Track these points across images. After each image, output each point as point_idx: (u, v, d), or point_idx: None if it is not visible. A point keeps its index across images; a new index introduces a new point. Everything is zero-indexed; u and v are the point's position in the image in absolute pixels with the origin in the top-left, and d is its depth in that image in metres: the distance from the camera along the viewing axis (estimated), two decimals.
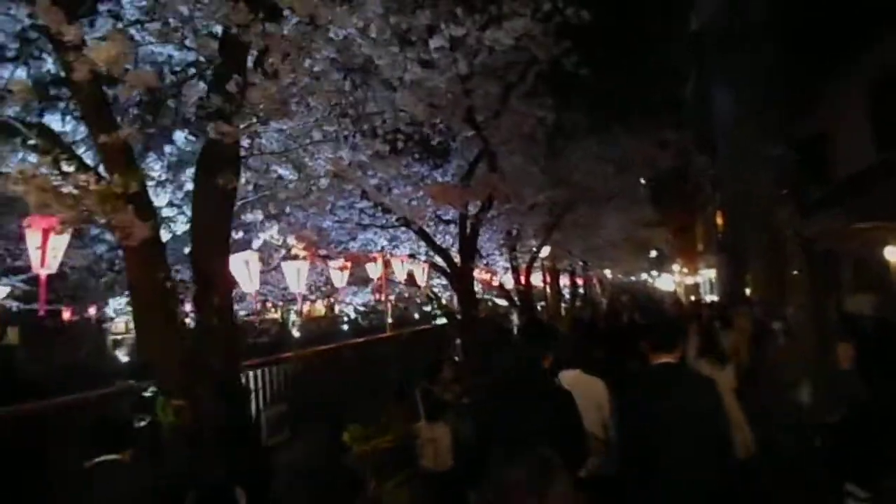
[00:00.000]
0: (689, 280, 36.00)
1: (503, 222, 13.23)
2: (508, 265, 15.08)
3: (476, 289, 17.27)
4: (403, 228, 10.15)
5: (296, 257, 5.87)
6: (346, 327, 32.08)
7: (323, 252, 6.17)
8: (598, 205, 16.86)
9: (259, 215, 5.64)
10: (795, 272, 11.99)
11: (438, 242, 10.30)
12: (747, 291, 19.04)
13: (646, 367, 3.71)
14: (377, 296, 19.58)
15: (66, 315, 18.46)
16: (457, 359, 9.96)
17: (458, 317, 10.18)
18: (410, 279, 9.93)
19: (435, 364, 5.96)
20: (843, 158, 13.63)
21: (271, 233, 5.64)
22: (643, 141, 15.09)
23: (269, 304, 29.80)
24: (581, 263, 27.03)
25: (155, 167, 6.91)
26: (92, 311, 18.01)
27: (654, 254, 38.90)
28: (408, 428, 5.42)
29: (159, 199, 5.60)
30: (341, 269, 6.54)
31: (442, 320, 12.67)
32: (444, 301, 11.61)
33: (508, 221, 13.43)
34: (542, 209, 14.63)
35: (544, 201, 14.11)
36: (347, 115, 6.48)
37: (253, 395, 5.75)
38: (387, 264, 8.61)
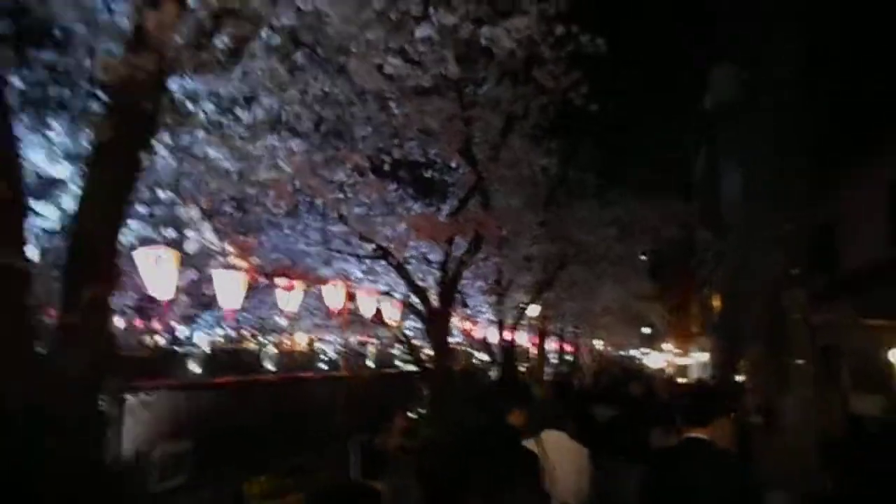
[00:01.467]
0: (680, 361, 35.06)
1: (491, 271, 12.46)
2: (494, 319, 14.24)
3: (457, 340, 16.45)
4: (382, 262, 9.39)
5: (234, 268, 5.02)
6: (324, 366, 31.05)
7: (257, 262, 5.28)
8: (595, 269, 16.19)
9: (193, 211, 4.80)
10: (800, 361, 11.17)
11: (418, 282, 9.51)
12: (739, 378, 18.13)
13: (677, 442, 3.61)
14: (352, 334, 18.71)
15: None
16: (420, 411, 9.09)
17: (429, 365, 9.32)
18: (379, 317, 9.09)
19: (383, 412, 5.10)
20: (852, 249, 12.99)
21: (206, 234, 4.77)
22: (649, 208, 14.50)
23: (244, 331, 28.98)
24: (572, 329, 26.21)
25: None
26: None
27: (647, 330, 38.12)
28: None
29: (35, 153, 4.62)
30: (286, 288, 5.69)
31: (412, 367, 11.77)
32: (415, 346, 10.73)
33: (497, 271, 12.67)
34: (536, 265, 13.94)
35: (538, 255, 13.42)
36: (313, 108, 5.79)
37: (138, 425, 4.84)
38: (350, 296, 7.77)
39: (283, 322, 20.41)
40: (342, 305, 7.26)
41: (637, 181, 15.81)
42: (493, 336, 14.53)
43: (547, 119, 8.42)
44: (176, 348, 25.91)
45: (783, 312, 12.84)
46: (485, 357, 15.36)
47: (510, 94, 8.15)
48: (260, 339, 30.00)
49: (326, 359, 31.12)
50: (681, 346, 34.21)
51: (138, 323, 23.76)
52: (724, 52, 23.32)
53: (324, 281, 6.86)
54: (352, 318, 11.34)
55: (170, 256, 5.00)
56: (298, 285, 5.75)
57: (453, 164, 9.55)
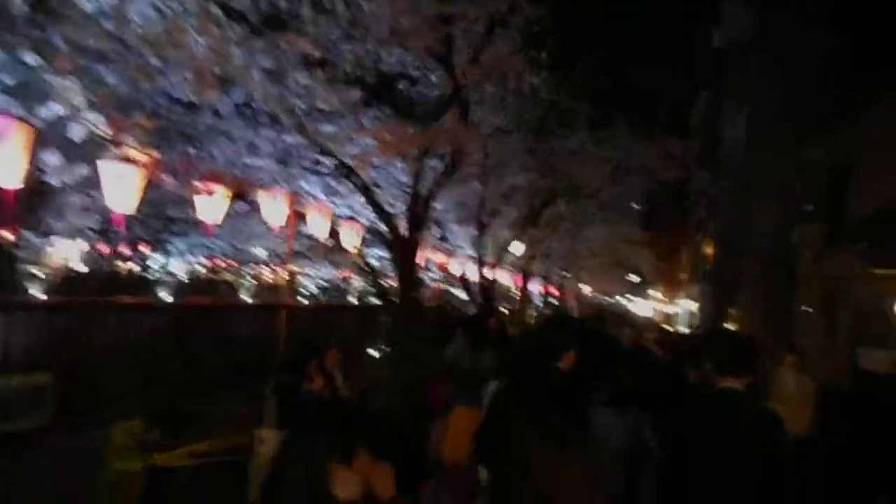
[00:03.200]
0: (668, 309, 34.54)
1: (473, 200, 11.39)
2: (475, 254, 13.25)
3: (433, 276, 15.50)
4: (347, 182, 8.28)
5: (127, 160, 3.87)
6: (305, 301, 30.25)
7: (157, 157, 4.15)
8: (584, 208, 15.20)
9: (68, 82, 3.65)
10: (808, 309, 10.35)
11: (387, 207, 8.45)
12: (729, 327, 17.40)
13: (707, 391, 3.31)
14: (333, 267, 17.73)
15: None
16: (384, 348, 8.15)
17: (394, 298, 8.33)
18: (336, 242, 8.05)
19: (309, 349, 4.09)
20: (866, 193, 11.99)
21: (86, 114, 3.64)
22: (645, 147, 13.34)
23: (219, 262, 27.98)
24: (558, 272, 25.41)
25: None
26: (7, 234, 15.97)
27: (635, 278, 37.51)
28: (241, 435, 3.56)
29: None
30: (207, 192, 4.60)
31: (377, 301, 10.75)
32: (379, 277, 9.69)
33: (479, 201, 11.60)
34: (521, 197, 12.90)
35: (525, 187, 12.37)
36: None
37: None
38: (296, 214, 6.67)
39: (261, 252, 19.46)
40: (283, 222, 6.20)
41: (634, 117, 14.60)
42: (473, 273, 13.56)
43: (538, 17, 7.22)
44: (147, 275, 25.00)
45: (787, 256, 12.04)
46: (463, 295, 14.42)
47: None
48: (240, 270, 29.08)
49: (307, 293, 30.31)
50: (669, 294, 33.63)
51: (103, 247, 22.86)
52: None
53: (257, 187, 5.72)
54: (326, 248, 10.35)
55: (133, 171, 3.95)
56: (220, 190, 4.68)
57: (428, 73, 8.39)
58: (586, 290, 38.23)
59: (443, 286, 16.40)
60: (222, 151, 8.36)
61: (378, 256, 10.87)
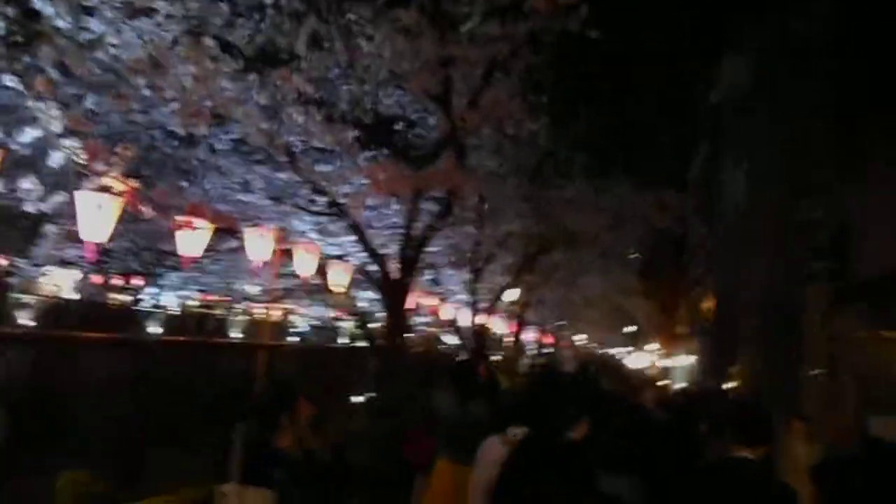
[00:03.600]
0: (664, 363, 34.07)
1: (467, 243, 11.19)
2: (468, 299, 13.01)
3: (425, 320, 15.25)
4: (338, 221, 8.11)
5: (107, 190, 3.69)
6: (296, 339, 29.84)
7: (134, 187, 3.94)
8: (580, 257, 15.02)
9: (44, 105, 3.48)
10: (814, 372, 10.08)
11: (377, 248, 8.25)
12: (728, 385, 17.05)
13: (720, 460, 3.26)
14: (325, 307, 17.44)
15: None
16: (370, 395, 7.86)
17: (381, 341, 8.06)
18: (324, 281, 7.81)
19: (282, 396, 3.82)
20: (870, 252, 11.80)
21: (63, 141, 3.46)
22: (643, 198, 13.25)
23: (209, 297, 27.62)
24: (553, 322, 25.12)
25: None
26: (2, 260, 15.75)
27: (631, 328, 37.16)
28: (200, 490, 3.27)
29: None
30: (185, 226, 4.36)
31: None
32: (366, 319, 9.43)
33: (474, 245, 11.41)
34: (517, 243, 12.71)
35: (520, 233, 12.20)
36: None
37: None
38: (282, 251, 6.44)
39: (253, 290, 19.23)
40: (267, 258, 5.98)
41: (631, 168, 14.56)
42: (465, 319, 13.31)
43: (538, 61, 7.15)
44: (137, 308, 24.71)
45: (792, 314, 11.81)
46: (454, 341, 14.12)
47: (498, 31, 6.87)
48: (231, 306, 28.77)
49: (296, 331, 29.92)
50: (666, 348, 33.20)
51: (96, 278, 22.62)
52: (735, 42, 22.28)
53: (239, 221, 5.48)
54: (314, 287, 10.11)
55: (109, 204, 3.77)
56: (203, 225, 4.47)
57: (425, 116, 8.31)
58: (581, 339, 37.85)
59: (434, 331, 16.12)
60: (215, 186, 8.25)
61: (368, 298, 10.64)
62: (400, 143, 8.58)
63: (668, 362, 33.36)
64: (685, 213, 16.53)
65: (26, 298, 18.32)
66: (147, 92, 4.89)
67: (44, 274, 18.82)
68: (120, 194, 3.79)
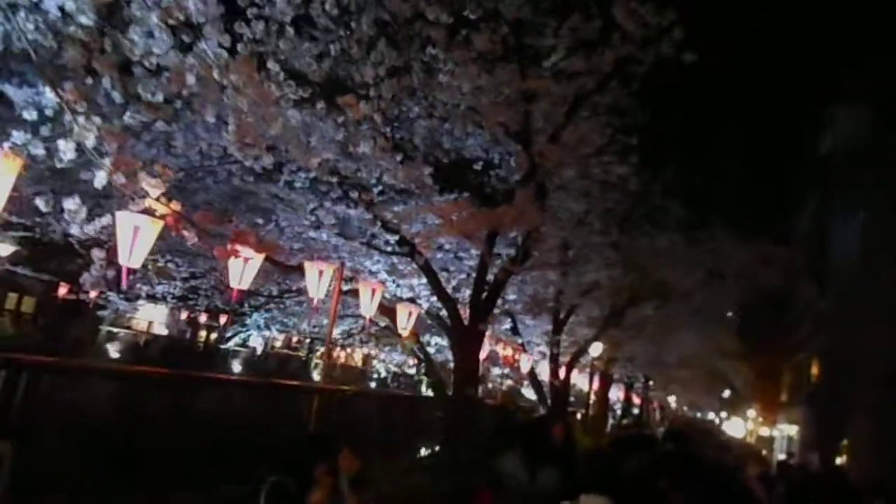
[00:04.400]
0: (764, 431, 31.59)
1: (549, 292, 10.54)
2: (549, 351, 12.27)
3: (502, 372, 14.53)
4: (409, 261, 7.74)
5: (153, 213, 3.45)
6: (373, 384, 29.57)
7: (181, 213, 3.66)
8: (673, 312, 13.99)
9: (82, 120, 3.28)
10: None
11: (449, 291, 7.81)
12: (838, 460, 15.34)
13: None
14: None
15: (61, 292, 16.92)
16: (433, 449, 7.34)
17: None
18: (392, 320, 7.40)
19: (318, 447, 3.36)
20: None
21: (106, 161, 3.24)
22: (743, 253, 12.16)
23: (294, 339, 27.89)
24: (642, 380, 23.72)
25: None
26: (93, 293, 16.40)
27: (726, 393, 34.77)
28: None
29: None
30: (231, 254, 4.06)
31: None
32: (434, 366, 8.89)
33: (556, 294, 10.73)
34: (603, 295, 11.92)
35: (607, 285, 11.41)
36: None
37: None
38: (343, 284, 6.07)
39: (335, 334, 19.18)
40: (323, 294, 5.64)
41: (730, 220, 13.43)
42: (544, 372, 12.56)
43: (626, 96, 6.62)
44: (223, 346, 25.23)
45: None
46: (532, 395, 13.34)
47: (583, 65, 6.42)
48: (314, 348, 28.96)
49: (376, 376, 29.68)
50: (765, 415, 30.81)
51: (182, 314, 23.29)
52: (851, 91, 20.94)
53: (278, 251, 5.15)
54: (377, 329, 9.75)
55: (150, 225, 3.58)
56: (253, 255, 4.16)
57: (505, 157, 7.90)
58: (672, 400, 35.72)
59: (511, 384, 15.39)
60: (290, 223, 8.08)
61: (438, 345, 10.17)
62: (476, 183, 8.17)
63: (767, 430, 30.94)
64: (791, 270, 15.24)
65: (116, 331, 19.01)
66: (211, 119, 4.69)
67: (135, 308, 19.50)
68: (162, 218, 3.55)
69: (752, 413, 33.34)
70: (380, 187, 7.44)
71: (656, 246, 11.89)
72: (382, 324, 8.29)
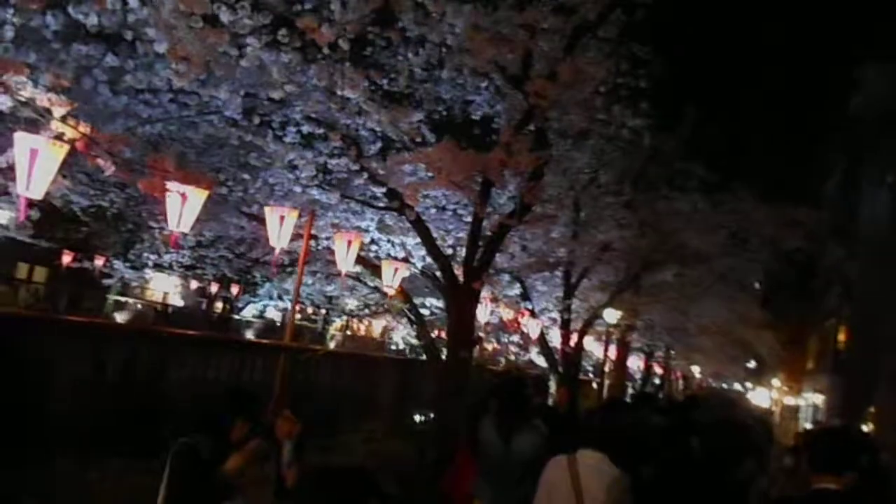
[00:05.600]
0: (790, 401, 30.91)
1: (560, 253, 9.94)
2: (560, 317, 11.73)
3: (514, 339, 14.03)
4: (399, 217, 7.25)
5: (60, 136, 2.97)
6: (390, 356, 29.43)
7: (99, 141, 3.11)
8: (694, 278, 13.34)
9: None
10: None
11: (444, 248, 7.32)
12: (864, 427, 14.71)
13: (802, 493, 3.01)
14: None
15: (65, 260, 16.73)
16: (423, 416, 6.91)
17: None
18: (376, 273, 6.92)
19: (238, 402, 2.89)
20: None
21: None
22: (767, 215, 11.41)
23: (309, 310, 27.63)
24: (664, 349, 23.08)
25: None
26: (98, 261, 16.16)
27: (751, 364, 34.04)
28: None
29: None
30: (158, 188, 3.59)
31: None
32: (426, 329, 8.37)
33: (568, 255, 10.14)
34: (614, 258, 11.28)
35: (621, 246, 10.78)
36: None
37: None
38: (311, 235, 5.58)
39: (352, 303, 18.81)
40: (285, 244, 5.14)
41: (754, 183, 12.62)
42: (555, 338, 12.04)
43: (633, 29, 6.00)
44: (232, 316, 25.11)
45: None
46: (542, 362, 12.83)
47: None
48: (330, 319, 28.72)
49: (394, 348, 29.47)
50: (791, 384, 30.11)
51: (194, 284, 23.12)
52: (881, 52, 19.93)
53: (207, 181, 4.61)
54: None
55: (49, 146, 3.15)
56: (190, 190, 3.65)
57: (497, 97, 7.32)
58: (696, 371, 35.05)
59: (518, 350, 14.88)
60: (276, 178, 7.60)
61: (433, 306, 9.68)
62: (474, 136, 7.63)
63: (793, 400, 30.28)
64: (818, 233, 14.47)
65: (123, 300, 18.81)
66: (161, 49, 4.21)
67: (143, 278, 19.30)
68: (68, 142, 3.07)
69: (776, 382, 32.69)
70: (372, 139, 6.97)
71: (674, 207, 11.26)
72: (372, 284, 7.82)
